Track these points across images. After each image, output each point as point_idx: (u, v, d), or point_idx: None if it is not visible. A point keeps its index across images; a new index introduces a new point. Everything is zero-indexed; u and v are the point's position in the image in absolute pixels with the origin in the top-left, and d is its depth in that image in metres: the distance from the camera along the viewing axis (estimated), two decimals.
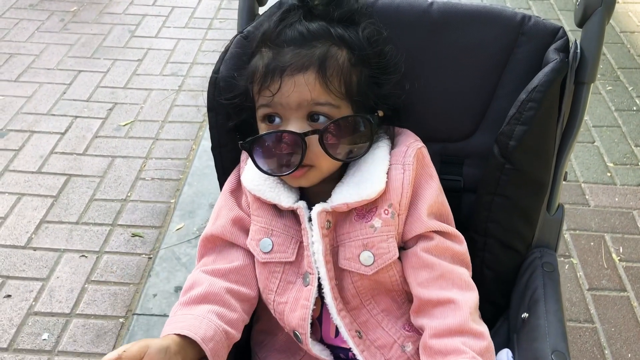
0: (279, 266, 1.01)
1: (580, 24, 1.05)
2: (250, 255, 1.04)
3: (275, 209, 1.02)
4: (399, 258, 1.00)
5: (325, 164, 0.96)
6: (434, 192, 1.00)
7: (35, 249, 2.13)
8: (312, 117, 0.94)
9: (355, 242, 0.97)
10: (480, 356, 0.87)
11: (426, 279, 0.96)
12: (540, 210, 1.13)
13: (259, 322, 1.14)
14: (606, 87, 2.90)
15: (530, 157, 1.06)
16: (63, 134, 2.66)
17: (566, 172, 1.14)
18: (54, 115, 2.77)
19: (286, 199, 0.99)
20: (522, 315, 1.07)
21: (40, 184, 2.40)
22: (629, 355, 1.79)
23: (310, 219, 0.98)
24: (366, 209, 0.98)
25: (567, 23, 3.32)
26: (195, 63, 3.15)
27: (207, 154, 2.56)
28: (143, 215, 2.27)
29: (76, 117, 2.76)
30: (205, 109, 2.76)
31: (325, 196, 0.99)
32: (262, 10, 1.18)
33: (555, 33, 1.09)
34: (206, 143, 2.62)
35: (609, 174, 2.43)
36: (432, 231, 0.98)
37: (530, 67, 1.09)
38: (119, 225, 2.23)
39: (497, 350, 1.10)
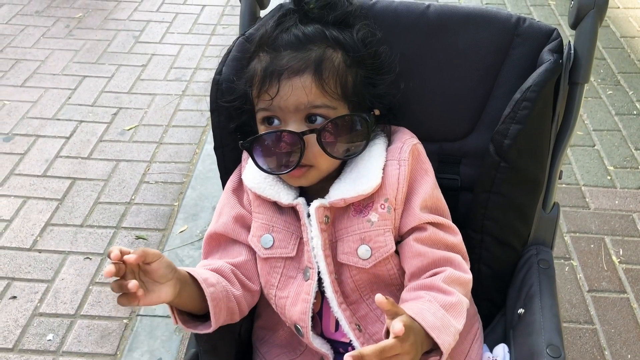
0: (280, 261, 1.03)
1: (574, 25, 1.07)
2: (252, 251, 1.06)
3: (276, 206, 1.04)
4: (397, 252, 1.02)
5: (324, 163, 0.99)
6: (428, 187, 1.02)
7: (40, 251, 2.16)
8: (309, 118, 0.97)
9: (353, 237, 1.00)
10: (443, 308, 0.89)
11: (418, 268, 0.98)
12: (535, 208, 1.15)
13: (260, 318, 1.16)
14: (607, 92, 2.92)
15: (525, 156, 1.08)
16: (68, 138, 2.69)
17: (561, 171, 1.16)
18: (59, 119, 2.80)
19: (286, 196, 1.02)
20: (518, 311, 1.08)
21: (46, 188, 2.43)
22: (629, 356, 1.80)
23: (309, 215, 1.00)
24: (363, 204, 1.00)
25: (568, 28, 3.33)
26: (199, 68, 3.18)
27: (210, 157, 2.59)
28: (147, 218, 2.30)
29: (81, 121, 2.79)
30: (208, 114, 2.81)
31: (323, 193, 1.02)
32: (263, 13, 1.21)
33: (549, 34, 1.11)
34: (209, 147, 2.65)
35: (609, 177, 2.44)
36: (426, 223, 1.00)
37: (526, 67, 1.11)
38: (123, 227, 2.26)
39: (494, 345, 1.12)
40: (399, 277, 1.02)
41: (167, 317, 1.93)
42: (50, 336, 1.88)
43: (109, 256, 0.80)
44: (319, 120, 0.96)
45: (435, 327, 0.84)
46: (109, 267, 0.78)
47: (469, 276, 0.98)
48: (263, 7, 1.24)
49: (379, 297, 0.78)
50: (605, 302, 1.95)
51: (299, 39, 0.96)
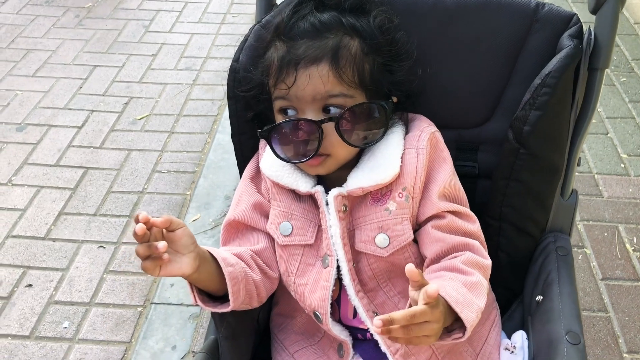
0: (298, 249, 1.03)
1: (594, 10, 1.06)
2: (271, 238, 1.06)
3: (294, 193, 1.04)
4: (415, 241, 1.02)
5: (342, 152, 0.98)
6: (447, 175, 1.01)
7: (54, 240, 2.18)
8: (326, 108, 0.96)
9: (370, 225, 1.00)
10: (465, 286, 0.89)
11: (437, 253, 0.98)
12: (554, 195, 1.15)
13: (278, 305, 1.17)
14: (620, 79, 2.89)
15: (545, 142, 1.07)
16: (80, 127, 2.70)
17: (580, 158, 1.15)
18: (71, 109, 2.81)
19: (304, 184, 1.02)
20: (537, 298, 1.08)
21: (59, 177, 2.44)
22: None
23: (327, 203, 1.00)
24: (381, 193, 1.00)
25: (581, 15, 3.31)
26: (209, 57, 3.17)
27: (221, 147, 2.59)
28: (159, 207, 2.31)
29: (93, 111, 2.80)
30: (219, 103, 2.82)
31: (341, 182, 1.01)
32: (279, 0, 1.20)
33: (569, 20, 1.10)
34: (220, 136, 2.65)
35: (622, 165, 2.43)
36: (445, 211, 1.00)
37: (545, 53, 1.10)
38: None
39: (512, 332, 1.12)
40: (416, 266, 1.02)
41: (181, 304, 1.95)
42: (65, 324, 1.90)
43: (135, 220, 0.81)
44: (336, 110, 0.96)
45: (459, 302, 0.84)
46: (139, 226, 0.79)
47: (488, 261, 0.98)
48: None
49: (410, 266, 0.77)
50: (619, 290, 1.95)
51: (316, 27, 0.96)
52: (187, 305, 1.95)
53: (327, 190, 1.02)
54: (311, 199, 1.03)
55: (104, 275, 2.05)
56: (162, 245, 0.80)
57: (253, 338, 1.14)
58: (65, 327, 1.89)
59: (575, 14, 1.11)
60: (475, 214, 1.06)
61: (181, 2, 3.66)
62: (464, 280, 0.90)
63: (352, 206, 1.02)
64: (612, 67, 2.97)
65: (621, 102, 2.75)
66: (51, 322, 1.90)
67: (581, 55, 1.05)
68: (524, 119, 1.05)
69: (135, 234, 0.80)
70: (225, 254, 0.97)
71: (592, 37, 1.06)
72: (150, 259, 0.82)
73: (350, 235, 1.02)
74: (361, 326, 1.05)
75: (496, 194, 1.14)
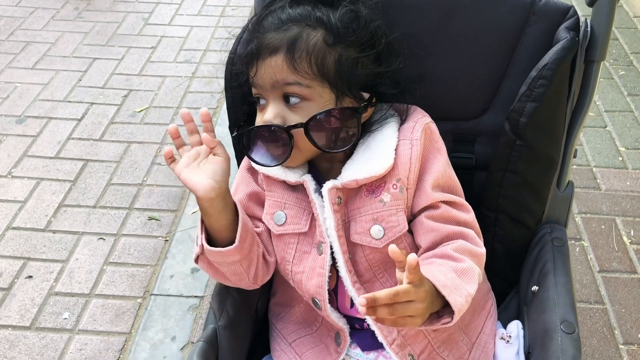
0: (293, 237, 1.04)
1: (591, 3, 1.07)
2: (267, 226, 1.07)
3: (286, 184, 1.05)
4: (410, 231, 1.03)
5: (306, 147, 0.98)
6: (441, 166, 1.02)
7: (54, 231, 2.18)
8: (286, 98, 0.97)
9: (365, 217, 1.00)
10: (454, 272, 0.90)
11: (432, 242, 0.99)
12: (550, 187, 1.16)
13: (276, 295, 1.18)
14: (619, 72, 2.89)
15: (541, 134, 1.08)
16: (80, 120, 2.71)
17: (576, 150, 1.16)
18: (70, 102, 2.82)
19: (292, 175, 1.03)
20: (532, 288, 1.09)
21: (59, 169, 2.45)
22: (639, 335, 1.81)
23: (317, 192, 1.01)
24: (375, 185, 1.01)
25: (579, 8, 3.30)
26: (209, 50, 3.18)
27: (220, 139, 2.58)
28: (159, 199, 2.32)
29: (92, 103, 2.81)
30: (219, 96, 2.82)
31: (336, 174, 1.02)
32: None
33: (565, 12, 1.10)
34: (220, 129, 2.65)
35: (620, 159, 2.43)
36: (439, 202, 1.00)
37: (541, 46, 1.10)
38: (135, 208, 2.28)
39: (508, 322, 1.13)
40: None
41: (181, 296, 1.96)
42: (66, 315, 1.91)
43: (182, 117, 0.98)
44: (294, 100, 0.96)
45: (447, 286, 0.85)
46: (184, 111, 0.98)
47: (481, 250, 0.99)
48: None
49: (392, 247, 0.78)
50: (616, 283, 1.96)
51: (281, 20, 0.97)
52: (187, 297, 1.96)
53: (319, 181, 1.02)
54: (303, 187, 1.04)
55: (104, 267, 2.06)
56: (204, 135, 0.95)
57: (251, 328, 1.15)
58: (65, 318, 1.90)
59: (572, 6, 1.11)
60: (472, 206, 1.06)
61: None
62: (454, 267, 0.91)
63: (347, 198, 1.03)
64: (611, 61, 2.97)
65: (620, 96, 2.75)
66: (51, 313, 1.91)
67: (577, 47, 1.06)
68: (520, 110, 1.06)
69: (170, 131, 0.96)
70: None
71: (589, 29, 1.07)
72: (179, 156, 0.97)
73: (345, 227, 1.02)
74: (358, 315, 1.06)
75: (492, 185, 1.15)
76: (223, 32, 3.32)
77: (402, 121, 1.05)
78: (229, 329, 1.04)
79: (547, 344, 0.97)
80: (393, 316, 0.78)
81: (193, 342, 1.82)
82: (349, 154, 1.03)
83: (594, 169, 2.38)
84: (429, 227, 0.99)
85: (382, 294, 0.76)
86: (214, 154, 0.96)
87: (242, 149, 1.01)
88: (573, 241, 2.09)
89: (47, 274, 2.03)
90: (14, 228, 2.19)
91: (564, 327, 0.97)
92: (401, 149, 1.00)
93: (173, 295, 1.97)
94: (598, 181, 2.33)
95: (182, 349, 1.82)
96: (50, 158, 2.50)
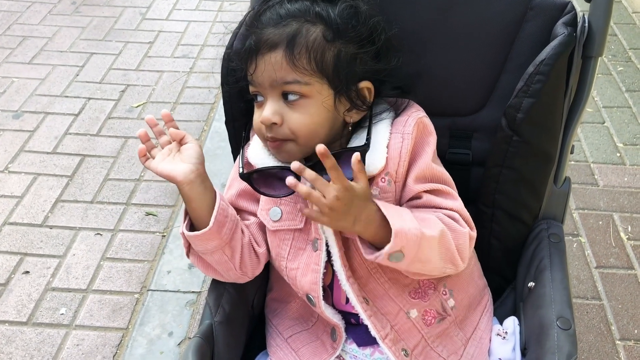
0: (288, 233, 1.04)
1: None
2: (259, 219, 1.07)
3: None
4: None
5: (304, 134, 0.98)
6: (427, 158, 1.01)
7: (51, 227, 2.18)
8: (284, 95, 0.97)
9: None
10: (411, 213, 0.94)
11: None
12: (547, 183, 1.15)
13: (272, 291, 1.18)
14: (617, 68, 2.89)
15: (538, 130, 1.08)
16: (77, 115, 2.70)
17: (573, 146, 1.16)
18: (67, 97, 2.81)
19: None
20: (529, 284, 1.09)
21: (56, 164, 2.44)
22: (635, 331, 1.81)
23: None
24: None
25: (577, 4, 3.30)
26: (206, 45, 3.17)
27: (218, 135, 2.59)
28: (156, 194, 2.31)
29: (89, 98, 2.80)
30: (216, 91, 2.81)
31: None
32: None
33: (563, 8, 1.10)
34: (217, 124, 2.65)
35: (618, 155, 2.43)
36: (422, 192, 1.00)
37: (539, 41, 1.10)
38: (133, 204, 2.27)
39: (504, 318, 1.13)
40: None
41: (178, 291, 1.96)
42: (63, 310, 1.91)
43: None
44: (294, 97, 0.96)
45: (391, 213, 0.90)
46: (148, 117, 1.01)
47: (463, 229, 0.97)
48: None
49: (320, 146, 0.84)
50: (613, 278, 1.96)
51: (280, 15, 0.97)
52: (184, 292, 1.96)
53: None
54: None
55: (101, 262, 2.05)
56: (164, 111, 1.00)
57: (247, 323, 1.15)
58: (62, 314, 1.90)
59: (569, 1, 1.11)
60: (469, 201, 1.06)
61: None
62: (415, 213, 0.94)
63: None
64: (610, 57, 2.97)
65: (618, 92, 2.75)
66: (48, 309, 1.91)
67: (575, 43, 1.06)
68: (517, 106, 1.06)
69: (140, 135, 0.98)
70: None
71: (586, 25, 1.06)
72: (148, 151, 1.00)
73: None
74: (354, 311, 1.06)
75: (489, 181, 1.15)
76: (221, 27, 3.31)
77: (396, 115, 1.05)
78: (225, 325, 1.04)
79: (543, 340, 0.97)
80: (310, 198, 0.86)
81: (190, 338, 1.83)
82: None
83: (591, 165, 2.38)
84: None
85: (309, 170, 0.85)
86: (184, 143, 1.01)
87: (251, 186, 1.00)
88: (570, 237, 2.09)
89: (44, 270, 2.03)
90: (11, 223, 2.19)
91: (560, 323, 0.97)
92: (392, 142, 1.00)
93: (170, 291, 1.97)
94: (596, 177, 2.33)
95: (179, 344, 1.82)
96: (47, 153, 2.49)
